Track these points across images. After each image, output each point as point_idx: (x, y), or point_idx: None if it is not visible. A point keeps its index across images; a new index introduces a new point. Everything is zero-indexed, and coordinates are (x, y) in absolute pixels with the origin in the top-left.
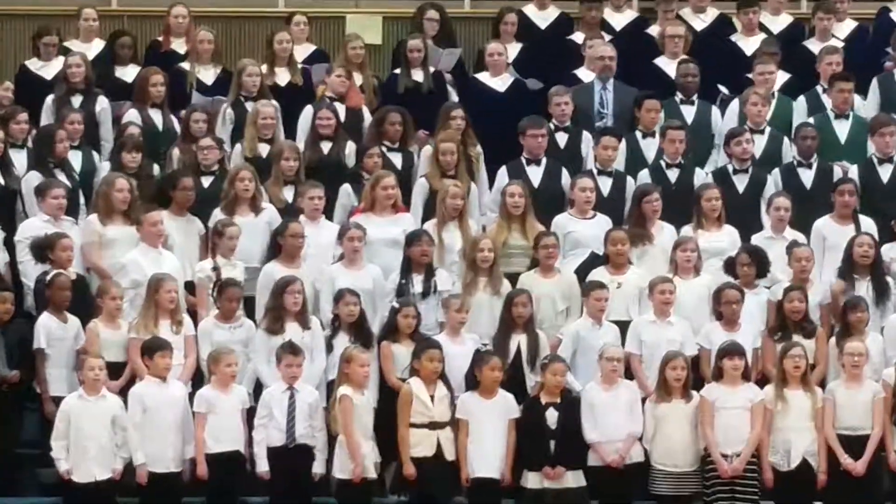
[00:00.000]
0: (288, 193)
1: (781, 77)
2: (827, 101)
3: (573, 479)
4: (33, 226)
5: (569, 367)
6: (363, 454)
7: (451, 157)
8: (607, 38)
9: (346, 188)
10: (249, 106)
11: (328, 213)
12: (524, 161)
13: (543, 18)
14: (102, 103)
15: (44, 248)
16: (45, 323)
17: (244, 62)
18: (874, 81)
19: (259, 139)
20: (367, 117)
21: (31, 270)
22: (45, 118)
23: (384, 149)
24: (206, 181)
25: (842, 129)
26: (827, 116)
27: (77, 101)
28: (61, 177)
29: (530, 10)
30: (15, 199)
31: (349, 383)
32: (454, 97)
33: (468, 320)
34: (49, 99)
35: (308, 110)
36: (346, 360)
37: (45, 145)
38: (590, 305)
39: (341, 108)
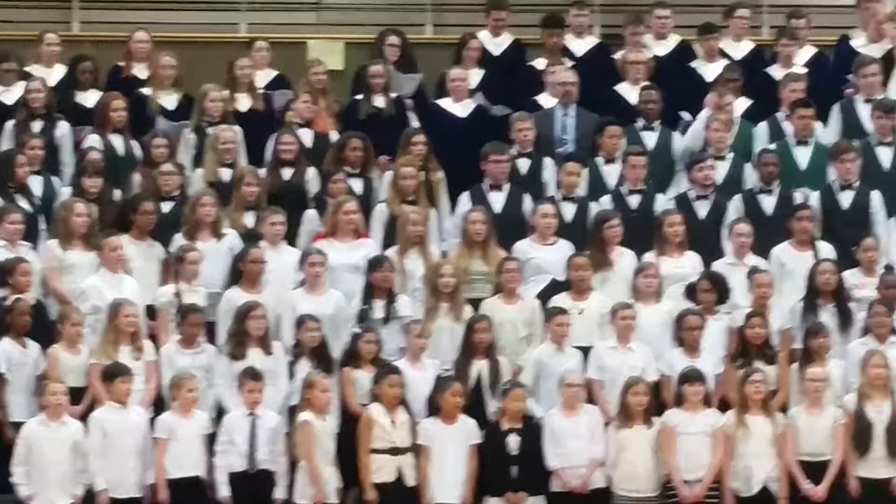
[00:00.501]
0: (249, 219)
1: (743, 103)
2: (788, 127)
3: None
4: None
5: (531, 392)
6: (325, 480)
7: (411, 182)
8: (569, 63)
9: (310, 214)
10: (212, 131)
11: (290, 238)
12: (486, 187)
13: (497, 45)
14: (63, 128)
15: (2, 273)
16: (5, 348)
17: (206, 87)
18: (835, 108)
19: (220, 164)
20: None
21: None
22: (5, 143)
23: (345, 174)
24: (167, 206)
25: (802, 156)
26: (787, 143)
27: (37, 126)
28: (22, 202)
29: (484, 37)
30: None
31: (311, 409)
32: (415, 123)
33: (429, 346)
34: (9, 124)
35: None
36: (307, 386)
37: (4, 170)
38: (552, 331)
39: (308, 134)
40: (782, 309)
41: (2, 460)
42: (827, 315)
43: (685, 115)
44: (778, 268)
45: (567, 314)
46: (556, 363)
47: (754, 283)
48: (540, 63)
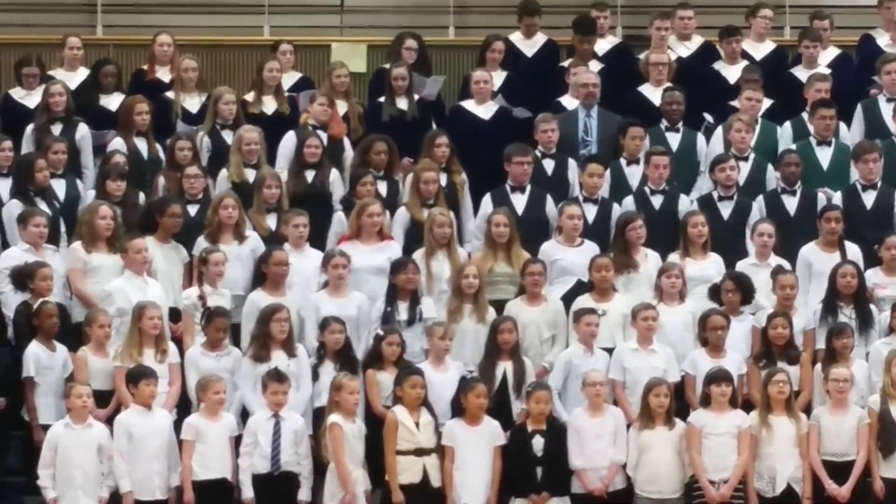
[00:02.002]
0: (271, 221)
1: (765, 103)
2: (812, 127)
3: None
4: (13, 255)
5: (559, 394)
6: (354, 482)
7: (433, 186)
8: (592, 65)
9: (339, 216)
10: (226, 134)
11: (313, 240)
12: (508, 188)
13: (530, 46)
14: (82, 131)
15: (24, 277)
16: (34, 351)
17: (220, 90)
18: (858, 108)
19: (245, 165)
20: (348, 147)
21: (11, 300)
22: (26, 147)
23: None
24: (192, 209)
25: (824, 156)
26: (809, 143)
27: (57, 129)
28: (42, 205)
29: (517, 38)
30: (0, 227)
31: (339, 411)
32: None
33: (452, 347)
34: (29, 128)
35: (290, 137)
36: (335, 388)
37: (24, 174)
38: (580, 331)
39: (323, 137)
40: (808, 309)
41: (29, 463)
42: (846, 316)
43: (708, 117)
44: (805, 268)
45: (595, 315)
46: (586, 365)
47: (778, 283)
48: (566, 63)
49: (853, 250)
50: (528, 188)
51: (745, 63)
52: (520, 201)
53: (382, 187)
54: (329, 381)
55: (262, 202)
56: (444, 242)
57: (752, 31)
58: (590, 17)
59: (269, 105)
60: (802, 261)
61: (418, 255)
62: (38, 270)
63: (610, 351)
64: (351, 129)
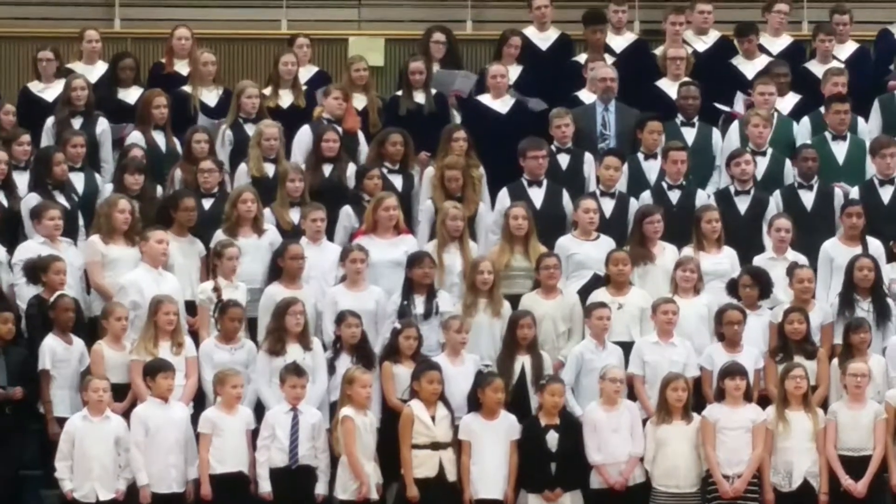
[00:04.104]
0: (294, 215)
1: (792, 99)
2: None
3: (572, 502)
4: (29, 248)
5: (572, 388)
6: (366, 475)
7: (457, 183)
8: (609, 59)
9: (346, 210)
10: (249, 128)
11: (330, 234)
12: (525, 183)
13: (544, 40)
14: (103, 125)
15: (36, 271)
16: (50, 344)
17: (243, 84)
18: (876, 102)
19: (264, 159)
20: (362, 141)
21: (26, 293)
22: (45, 140)
23: (385, 170)
24: (207, 203)
25: (839, 151)
26: (824, 138)
27: (77, 123)
28: (60, 199)
29: (531, 32)
30: (19, 221)
31: (351, 404)
32: (457, 119)
33: (468, 341)
34: (49, 121)
35: (305, 130)
36: (348, 382)
37: (43, 167)
38: (592, 326)
39: (339, 130)
40: (825, 304)
41: (46, 455)
42: (863, 311)
43: (720, 106)
44: (827, 263)
45: (607, 309)
46: (598, 359)
47: (795, 278)
48: (581, 59)
49: (875, 245)
50: (545, 183)
51: (763, 58)
52: (537, 195)
53: (398, 181)
54: None
55: (285, 196)
56: (457, 235)
57: (769, 26)
58: (597, 8)
59: (286, 98)
60: (824, 256)
61: (430, 247)
62: (52, 264)
63: (626, 345)
64: (370, 123)
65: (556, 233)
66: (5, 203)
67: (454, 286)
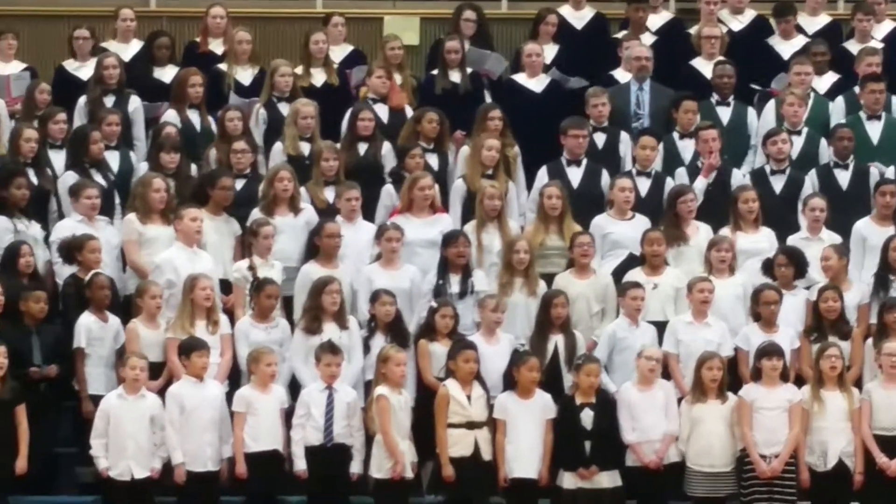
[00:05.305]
0: (329, 194)
1: (830, 78)
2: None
3: (608, 480)
4: (67, 226)
5: (605, 367)
6: (401, 453)
7: (494, 155)
8: (647, 37)
9: (388, 189)
10: (282, 106)
11: (365, 213)
12: (564, 162)
13: (579, 18)
14: (135, 103)
15: (72, 250)
16: (86, 322)
17: (277, 62)
18: None
19: (300, 138)
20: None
21: (63, 271)
22: (78, 119)
23: (420, 150)
24: (239, 183)
25: (874, 130)
26: (859, 117)
27: (110, 101)
28: (97, 177)
29: (566, 11)
30: (48, 198)
31: (386, 383)
32: (488, 99)
33: (504, 320)
34: (82, 100)
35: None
36: (382, 360)
37: (79, 146)
38: (626, 305)
39: (383, 109)
40: (862, 284)
41: (81, 433)
42: None
43: (755, 86)
44: (860, 243)
45: (641, 288)
46: (631, 338)
47: (822, 255)
48: (620, 35)
49: None
50: (584, 161)
51: (799, 38)
52: (575, 175)
53: (433, 160)
54: None
55: (319, 175)
56: (495, 215)
57: (807, 5)
58: None
59: (318, 77)
60: (857, 235)
61: (469, 227)
62: (87, 243)
63: (660, 324)
64: (406, 101)
65: (593, 212)
66: (35, 181)
67: (493, 266)
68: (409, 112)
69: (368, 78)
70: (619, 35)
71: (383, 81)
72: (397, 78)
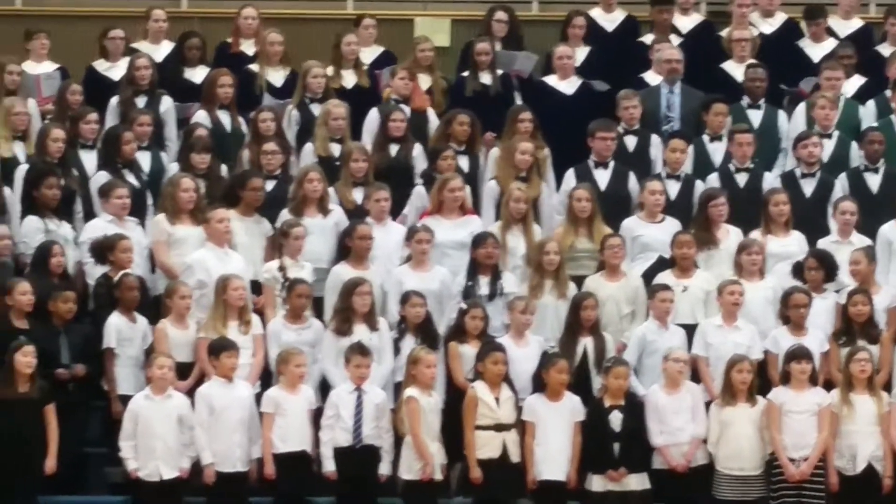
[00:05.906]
0: (357, 195)
1: (857, 81)
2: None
3: (637, 482)
4: (97, 226)
5: (634, 369)
6: (430, 455)
7: (528, 159)
8: (675, 41)
9: (419, 190)
10: (315, 108)
11: (395, 214)
12: (592, 164)
13: (610, 21)
14: (167, 104)
15: (103, 250)
16: (115, 322)
17: (309, 64)
18: None
19: (331, 139)
20: (432, 119)
21: (94, 271)
22: (110, 119)
23: (451, 151)
24: (270, 184)
25: None
26: (890, 121)
27: (141, 102)
28: (130, 177)
29: (596, 13)
30: (74, 199)
31: (416, 384)
32: (518, 99)
33: (533, 322)
34: (114, 100)
35: (374, 113)
36: (412, 362)
37: (112, 146)
38: (655, 307)
39: (406, 111)
40: (891, 287)
41: (110, 434)
42: None
43: (784, 87)
44: (886, 246)
45: (671, 291)
46: (660, 340)
47: (850, 259)
48: (647, 39)
49: None
50: (612, 164)
51: (830, 41)
52: (603, 177)
53: (464, 162)
54: None
55: (349, 176)
56: (520, 217)
57: (839, 8)
58: None
59: (349, 79)
60: (883, 239)
61: (494, 228)
62: (118, 243)
63: (689, 327)
64: (434, 103)
65: (620, 214)
66: (62, 181)
67: (517, 268)
68: (431, 114)
69: (392, 80)
70: (647, 39)
71: (406, 83)
72: (427, 80)
